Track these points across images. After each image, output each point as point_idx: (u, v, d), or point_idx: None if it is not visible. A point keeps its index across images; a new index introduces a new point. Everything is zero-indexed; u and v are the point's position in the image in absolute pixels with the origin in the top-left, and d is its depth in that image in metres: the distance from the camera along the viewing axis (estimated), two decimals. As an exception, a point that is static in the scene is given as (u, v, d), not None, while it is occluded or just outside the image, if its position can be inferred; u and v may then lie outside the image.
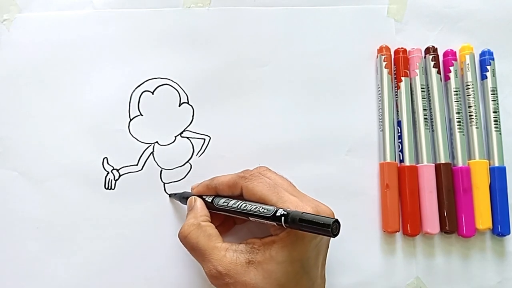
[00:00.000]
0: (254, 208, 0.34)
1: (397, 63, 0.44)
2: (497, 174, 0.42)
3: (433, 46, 0.45)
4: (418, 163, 0.43)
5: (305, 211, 0.32)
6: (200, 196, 0.39)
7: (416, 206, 0.42)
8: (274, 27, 0.45)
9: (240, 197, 0.37)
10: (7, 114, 0.43)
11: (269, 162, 0.39)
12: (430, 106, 0.44)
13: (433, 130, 0.43)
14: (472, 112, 0.43)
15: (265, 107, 0.44)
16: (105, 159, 0.43)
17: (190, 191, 0.42)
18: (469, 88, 0.44)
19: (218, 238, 0.36)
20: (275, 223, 0.33)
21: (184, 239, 0.37)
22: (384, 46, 0.45)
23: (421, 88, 0.44)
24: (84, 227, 0.42)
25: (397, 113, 0.44)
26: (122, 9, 0.45)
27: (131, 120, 0.44)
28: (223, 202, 0.37)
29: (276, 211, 0.33)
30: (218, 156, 0.43)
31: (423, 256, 0.42)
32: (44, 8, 0.45)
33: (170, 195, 0.42)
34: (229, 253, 0.34)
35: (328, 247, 0.37)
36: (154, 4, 0.45)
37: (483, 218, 0.42)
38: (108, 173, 0.43)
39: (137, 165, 0.43)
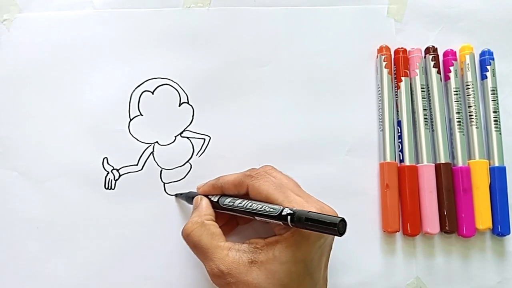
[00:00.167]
0: (260, 208, 0.34)
1: (397, 63, 0.44)
2: (497, 174, 0.42)
3: (433, 46, 0.45)
4: (418, 163, 0.43)
5: (310, 211, 0.32)
6: (206, 196, 0.39)
7: (416, 206, 0.42)
8: (274, 27, 0.45)
9: (245, 196, 0.37)
10: (7, 114, 0.44)
11: (269, 162, 0.39)
12: (430, 106, 0.44)
13: (433, 130, 0.43)
14: (472, 112, 0.43)
15: (265, 107, 0.44)
16: (105, 159, 0.43)
17: (195, 191, 0.42)
18: (469, 88, 0.44)
19: (221, 237, 0.36)
20: (281, 222, 0.33)
21: (187, 236, 0.37)
22: (384, 46, 0.45)
23: (421, 88, 0.44)
24: (84, 227, 0.42)
25: (397, 113, 0.44)
26: (122, 9, 0.45)
27: (131, 120, 0.44)
28: (229, 202, 0.37)
29: (282, 210, 0.33)
30: (218, 156, 0.43)
31: (423, 256, 0.42)
32: (44, 8, 0.45)
33: (176, 195, 0.42)
34: (231, 253, 0.34)
35: (331, 248, 0.37)
36: (154, 4, 0.45)
37: (483, 218, 0.42)
38: (108, 173, 0.43)
39: (137, 165, 0.43)
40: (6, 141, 0.43)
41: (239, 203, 0.36)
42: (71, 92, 0.44)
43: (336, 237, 0.30)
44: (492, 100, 0.44)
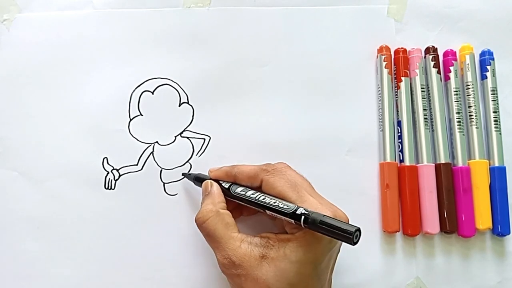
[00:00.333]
0: (274, 202, 0.34)
1: (397, 63, 0.44)
2: (497, 174, 0.42)
3: (433, 46, 0.45)
4: (418, 163, 0.43)
5: (325, 215, 0.32)
6: (216, 181, 0.39)
7: (416, 206, 0.42)
8: (274, 27, 0.45)
9: (257, 189, 0.37)
10: (7, 114, 0.44)
11: (269, 162, 0.39)
12: (430, 106, 0.44)
13: (433, 130, 0.43)
14: (472, 112, 0.43)
15: (265, 107, 0.44)
16: (105, 159, 0.43)
17: (205, 173, 0.41)
18: (469, 88, 0.44)
19: (235, 227, 0.36)
20: (293, 221, 0.33)
21: (201, 224, 0.36)
22: (384, 46, 0.45)
23: (421, 88, 0.44)
24: (84, 227, 0.42)
25: (397, 113, 0.44)
26: (122, 9, 0.45)
27: (131, 120, 0.44)
28: (241, 191, 0.37)
29: (296, 209, 0.33)
30: (218, 156, 0.43)
31: (423, 256, 0.42)
32: (44, 8, 0.45)
33: (183, 174, 0.42)
34: (244, 245, 0.34)
35: (339, 252, 0.37)
36: (154, 4, 0.45)
37: (483, 218, 0.42)
38: (108, 173, 0.43)
39: (137, 165, 0.43)
40: (6, 141, 0.43)
41: (252, 194, 0.36)
42: (71, 92, 0.44)
43: (356, 245, 0.30)
44: (492, 100, 0.44)
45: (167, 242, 0.42)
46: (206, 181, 0.39)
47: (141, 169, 0.43)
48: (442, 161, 0.42)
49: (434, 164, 0.43)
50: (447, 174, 0.42)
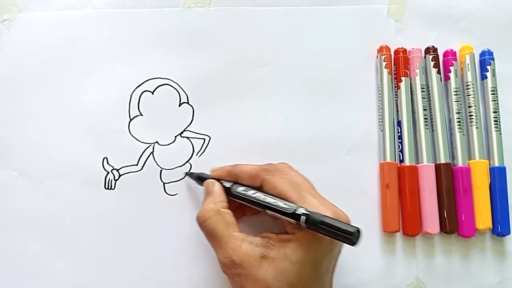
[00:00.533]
0: (274, 202, 0.34)
1: (397, 63, 0.44)
2: (497, 174, 0.42)
3: (433, 46, 0.45)
4: (418, 163, 0.43)
5: (325, 215, 0.32)
6: (218, 180, 0.39)
7: (416, 206, 0.42)
8: (274, 27, 0.45)
9: (258, 189, 0.37)
10: (7, 114, 0.44)
11: (269, 162, 0.39)
12: (430, 106, 0.44)
13: (433, 130, 0.43)
14: (472, 112, 0.43)
15: (265, 107, 0.44)
16: (105, 159, 0.43)
17: (207, 173, 0.41)
18: (469, 88, 0.44)
19: (236, 227, 0.36)
20: (294, 221, 0.33)
21: (203, 223, 0.36)
22: (384, 46, 0.45)
23: (421, 88, 0.44)
24: (84, 227, 0.42)
25: (397, 113, 0.44)
26: (122, 9, 0.45)
27: (131, 120, 0.44)
28: (242, 190, 0.37)
29: (297, 209, 0.33)
30: (218, 156, 0.43)
31: (423, 256, 0.42)
32: (44, 8, 0.45)
33: (186, 173, 0.42)
34: (245, 244, 0.34)
35: (340, 253, 0.37)
36: (154, 4, 0.45)
37: (483, 218, 0.42)
38: (108, 173, 0.43)
39: (137, 165, 0.43)
40: (6, 141, 0.43)
41: (253, 193, 0.36)
42: (71, 92, 0.44)
43: (355, 245, 0.30)
44: (492, 100, 0.44)
45: (167, 242, 0.42)
46: (208, 180, 0.39)
47: (141, 169, 0.43)
48: (442, 161, 0.42)
49: (434, 164, 0.43)
50: (447, 174, 0.42)
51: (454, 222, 0.42)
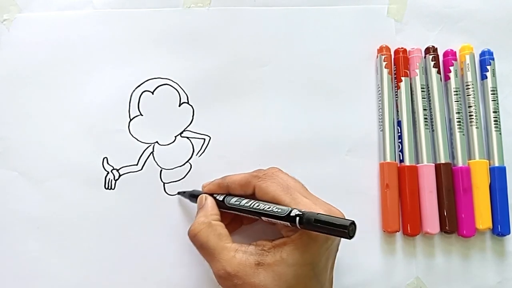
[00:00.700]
0: (268, 208, 0.34)
1: (397, 63, 0.44)
2: (497, 174, 0.42)
3: (433, 46, 0.45)
4: (418, 163, 0.43)
5: (319, 213, 0.32)
6: (211, 195, 0.39)
7: (416, 206, 0.42)
8: (274, 27, 0.45)
9: (251, 196, 0.37)
10: (7, 114, 0.44)
11: (269, 162, 0.39)
12: (430, 106, 0.44)
13: (433, 130, 0.43)
14: (472, 112, 0.43)
15: (265, 107, 0.44)
16: (105, 159, 0.43)
17: (199, 190, 0.41)
18: (469, 88, 0.44)
19: (228, 238, 0.36)
20: (288, 224, 0.33)
21: (193, 237, 0.36)
22: (384, 46, 0.45)
23: (421, 88, 0.44)
24: (84, 227, 0.42)
25: (397, 113, 0.44)
26: (122, 9, 0.45)
27: (131, 120, 0.44)
28: (235, 201, 0.37)
29: (291, 211, 0.33)
30: (218, 156, 0.43)
31: (423, 256, 0.42)
32: (44, 8, 0.45)
33: (178, 193, 0.42)
34: (238, 254, 0.34)
35: (337, 250, 0.37)
36: (154, 4, 0.45)
37: (483, 218, 0.42)
38: (108, 173, 0.43)
39: (137, 165, 0.43)
40: (6, 141, 0.43)
41: (246, 202, 0.36)
42: (71, 92, 0.44)
43: (352, 238, 0.30)
44: (492, 100, 0.44)
45: (167, 242, 0.42)
46: (201, 195, 0.39)
47: (141, 169, 0.43)
48: (442, 161, 0.42)
49: (434, 164, 0.43)
50: (447, 174, 0.42)
51: (454, 222, 0.42)
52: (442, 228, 0.42)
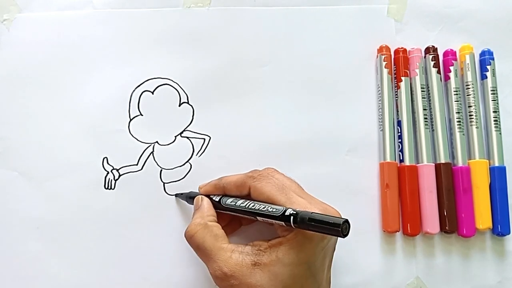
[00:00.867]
0: (263, 208, 0.34)
1: (397, 63, 0.44)
2: (497, 174, 0.42)
3: (433, 46, 0.45)
4: (418, 163, 0.43)
5: (313, 212, 0.32)
6: (207, 196, 0.39)
7: (416, 206, 0.42)
8: (274, 27, 0.45)
9: (247, 197, 0.37)
10: (7, 114, 0.44)
11: (269, 162, 0.39)
12: (430, 106, 0.44)
13: (433, 130, 0.43)
14: (472, 112, 0.43)
15: (265, 107, 0.44)
16: (105, 159, 0.43)
17: (196, 191, 0.42)
18: (469, 88, 0.44)
19: (224, 238, 0.36)
20: (283, 223, 0.33)
21: (190, 238, 0.37)
22: (384, 46, 0.45)
23: (421, 88, 0.44)
24: (84, 227, 0.42)
25: (397, 113, 0.44)
26: (122, 9, 0.45)
27: (131, 120, 0.44)
28: (231, 202, 0.37)
29: (285, 210, 0.33)
30: (218, 156, 0.43)
31: (423, 256, 0.42)
32: (44, 8, 0.45)
33: (176, 195, 0.42)
34: (235, 255, 0.34)
35: (334, 249, 0.37)
36: (154, 4, 0.45)
37: (483, 218, 0.42)
38: (108, 173, 0.43)
39: (137, 165, 0.43)
40: (6, 141, 0.43)
41: (241, 203, 0.36)
42: (71, 92, 0.44)
43: (346, 237, 0.30)
44: (492, 100, 0.44)
45: (167, 242, 0.42)
46: (197, 197, 0.39)
47: (141, 169, 0.43)
48: (442, 161, 0.42)
49: (434, 164, 0.43)
50: (447, 174, 0.42)
51: (454, 222, 0.42)
52: (442, 228, 0.42)
